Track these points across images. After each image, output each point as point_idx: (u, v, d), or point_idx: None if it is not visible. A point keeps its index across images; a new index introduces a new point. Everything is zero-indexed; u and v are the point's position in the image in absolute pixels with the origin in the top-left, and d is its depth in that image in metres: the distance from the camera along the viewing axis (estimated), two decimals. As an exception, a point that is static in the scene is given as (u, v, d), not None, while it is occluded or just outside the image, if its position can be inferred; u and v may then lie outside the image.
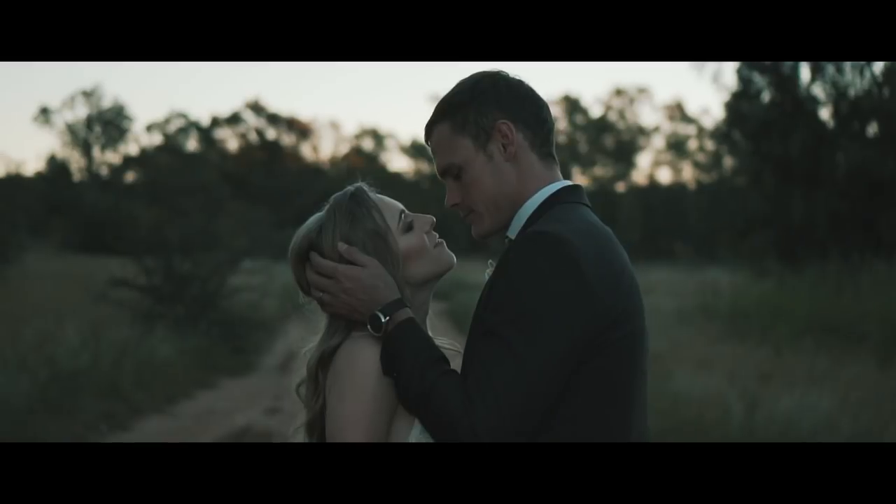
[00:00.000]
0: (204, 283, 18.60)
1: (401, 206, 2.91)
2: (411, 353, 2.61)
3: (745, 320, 19.08)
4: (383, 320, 2.68)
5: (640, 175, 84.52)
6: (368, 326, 2.70)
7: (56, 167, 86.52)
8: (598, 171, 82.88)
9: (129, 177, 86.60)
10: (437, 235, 2.93)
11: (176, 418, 11.99)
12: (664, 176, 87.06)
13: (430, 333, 2.93)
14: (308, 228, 2.88)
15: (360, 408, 2.63)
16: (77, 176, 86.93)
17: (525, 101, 2.85)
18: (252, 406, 13.14)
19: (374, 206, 2.85)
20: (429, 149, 2.92)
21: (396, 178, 76.59)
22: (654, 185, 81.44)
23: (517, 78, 2.88)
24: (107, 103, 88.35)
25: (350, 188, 2.90)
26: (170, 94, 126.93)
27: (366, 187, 2.91)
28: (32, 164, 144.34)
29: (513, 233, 2.80)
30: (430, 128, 2.89)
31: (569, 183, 2.86)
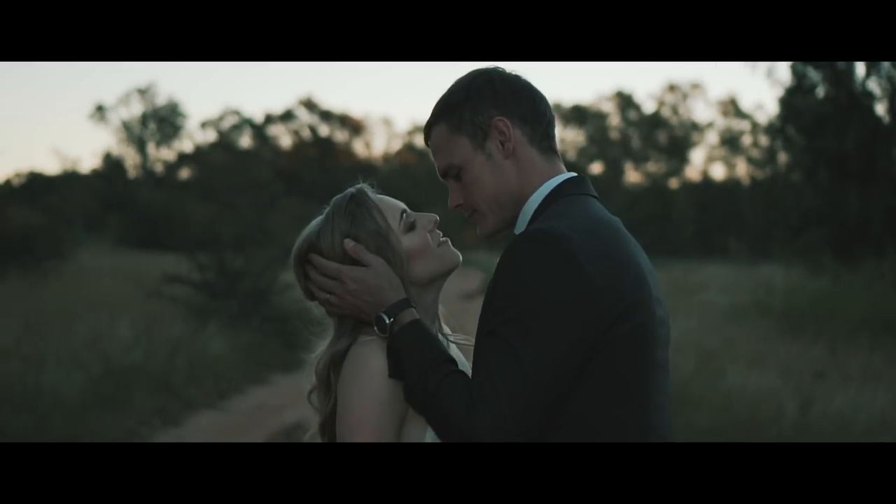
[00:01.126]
0: (256, 279, 18.66)
1: (402, 205, 2.89)
2: (416, 354, 2.59)
3: (800, 317, 18.89)
4: (388, 322, 2.67)
5: (693, 171, 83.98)
6: (374, 328, 2.69)
7: (111, 164, 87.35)
8: (651, 167, 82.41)
9: (184, 174, 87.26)
10: (441, 234, 2.90)
11: (228, 414, 12.05)
12: (718, 172, 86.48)
13: (445, 331, 2.95)
14: (308, 231, 2.87)
15: (368, 413, 2.61)
16: (132, 173, 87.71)
17: (521, 96, 2.82)
18: (303, 402, 13.07)
19: (374, 207, 2.83)
20: (430, 152, 2.90)
21: (448, 174, 76.45)
22: (707, 182, 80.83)
23: (513, 73, 2.85)
24: (161, 101, 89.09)
25: (350, 189, 2.88)
26: (224, 92, 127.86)
27: (367, 188, 2.89)
28: (88, 161, 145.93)
29: (519, 230, 2.79)
30: (429, 130, 2.88)
31: (572, 175, 2.83)
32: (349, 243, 2.77)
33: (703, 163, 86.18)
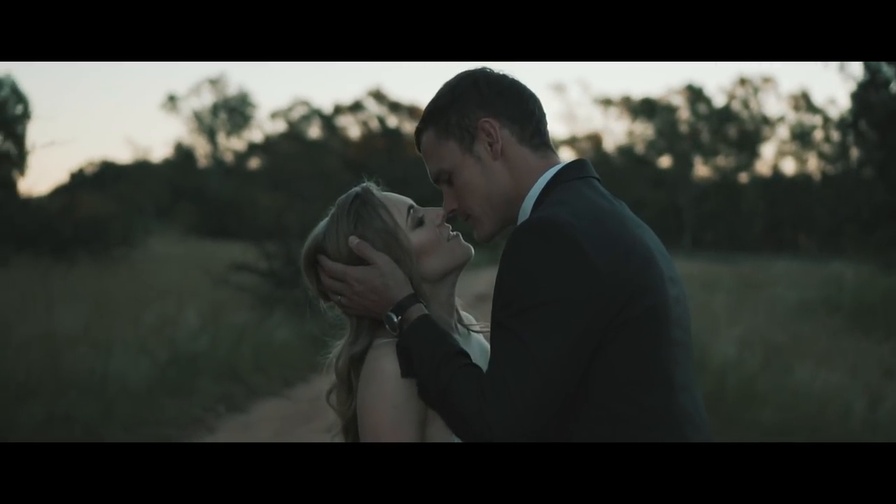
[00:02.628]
0: (323, 268, 18.69)
1: (409, 201, 2.86)
2: (426, 351, 2.56)
3: (869, 314, 18.65)
4: (396, 320, 2.65)
5: (763, 166, 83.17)
6: (387, 326, 2.67)
7: (182, 153, 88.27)
8: (721, 161, 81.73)
9: (253, 163, 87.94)
10: (451, 228, 2.86)
11: (291, 402, 12.09)
12: (788, 167, 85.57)
13: (466, 322, 2.92)
14: (315, 232, 2.85)
15: (383, 417, 2.58)
16: (202, 162, 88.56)
17: (508, 95, 2.78)
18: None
19: (379, 205, 2.80)
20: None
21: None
22: (777, 177, 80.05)
23: (499, 73, 2.81)
24: (232, 91, 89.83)
25: (355, 189, 2.86)
26: (293, 83, 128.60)
27: (372, 186, 2.87)
28: (159, 151, 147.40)
29: None
30: (419, 136, 2.85)
31: (567, 162, 2.77)
32: (353, 241, 2.75)
33: (774, 157, 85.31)
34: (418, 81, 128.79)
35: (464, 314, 2.97)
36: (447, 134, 2.76)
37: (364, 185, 2.87)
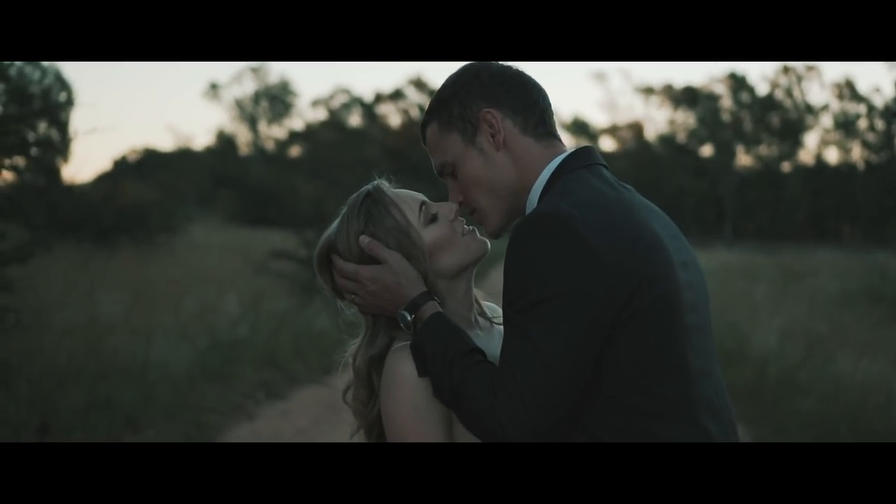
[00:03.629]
0: (362, 256, 18.72)
1: (421, 197, 2.82)
2: (439, 349, 2.53)
3: (913, 305, 18.52)
4: (409, 318, 2.63)
5: (806, 155, 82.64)
6: (401, 325, 2.66)
7: (224, 141, 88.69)
8: (763, 150, 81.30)
9: (293, 151, 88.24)
10: (465, 222, 2.82)
11: (331, 389, 12.09)
12: (832, 156, 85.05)
13: (488, 315, 2.89)
14: (328, 233, 2.83)
15: (405, 421, 2.56)
16: (243, 150, 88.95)
17: (510, 86, 2.74)
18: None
19: (390, 203, 2.76)
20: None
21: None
22: (820, 166, 79.53)
23: (502, 64, 2.78)
24: (273, 79, 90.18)
25: (367, 186, 2.82)
26: (334, 71, 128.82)
27: (383, 184, 2.83)
28: (201, 139, 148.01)
29: None
30: (423, 130, 2.83)
31: (571, 150, 2.73)
32: (364, 240, 2.72)
33: (817, 146, 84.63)
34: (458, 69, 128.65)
35: (487, 305, 2.94)
36: (450, 126, 2.73)
37: (375, 182, 2.83)
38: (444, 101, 2.76)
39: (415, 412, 2.55)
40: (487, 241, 2.82)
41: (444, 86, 2.79)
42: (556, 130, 2.79)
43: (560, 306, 2.40)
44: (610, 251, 2.43)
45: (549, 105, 2.79)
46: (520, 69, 2.79)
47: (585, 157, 2.70)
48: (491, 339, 2.77)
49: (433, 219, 2.77)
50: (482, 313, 2.89)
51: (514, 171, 2.71)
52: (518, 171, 2.71)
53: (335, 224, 2.82)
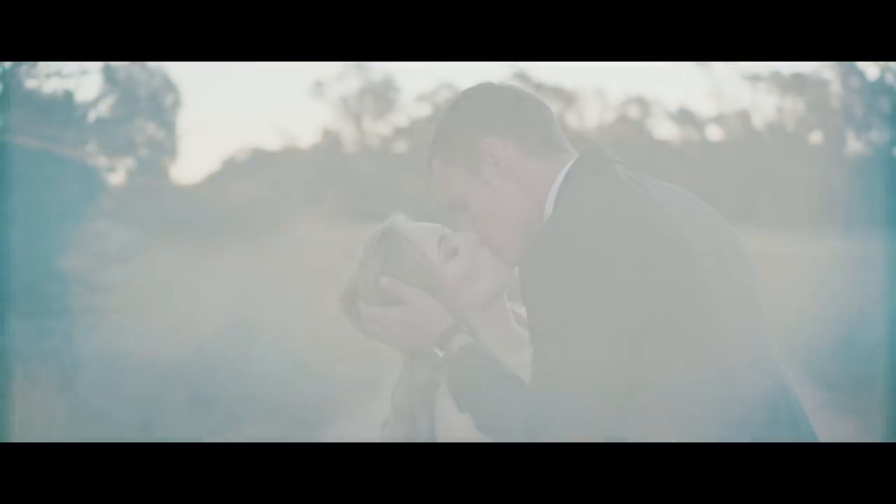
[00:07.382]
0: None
1: (440, 230, 2.73)
2: (472, 383, 2.48)
3: None
4: (440, 355, 2.58)
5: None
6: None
7: (329, 138, 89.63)
8: (875, 136, 79.85)
9: (398, 148, 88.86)
10: (488, 250, 2.69)
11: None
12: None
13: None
14: (350, 277, 2.76)
15: None
16: (349, 147, 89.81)
17: (507, 108, 2.63)
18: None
19: (406, 242, 2.68)
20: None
21: (663, 145, 75.67)
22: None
23: (497, 86, 2.69)
24: (377, 76, 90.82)
25: (383, 225, 2.74)
26: (437, 66, 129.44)
27: (398, 220, 2.75)
28: (307, 137, 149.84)
29: None
30: (429, 165, 2.73)
31: (576, 157, 2.60)
32: (384, 281, 2.66)
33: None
34: (563, 64, 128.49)
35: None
36: (453, 161, 2.65)
37: (390, 220, 2.75)
38: (444, 135, 2.67)
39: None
40: (514, 266, 2.70)
41: (442, 119, 2.70)
42: (563, 141, 2.67)
43: (577, 328, 2.31)
44: (620, 264, 2.32)
45: (551, 117, 2.67)
46: (514, 87, 2.73)
47: (591, 161, 2.58)
48: None
49: (454, 252, 2.68)
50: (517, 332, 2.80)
51: (523, 198, 2.61)
52: (527, 197, 2.60)
53: (354, 269, 2.75)
